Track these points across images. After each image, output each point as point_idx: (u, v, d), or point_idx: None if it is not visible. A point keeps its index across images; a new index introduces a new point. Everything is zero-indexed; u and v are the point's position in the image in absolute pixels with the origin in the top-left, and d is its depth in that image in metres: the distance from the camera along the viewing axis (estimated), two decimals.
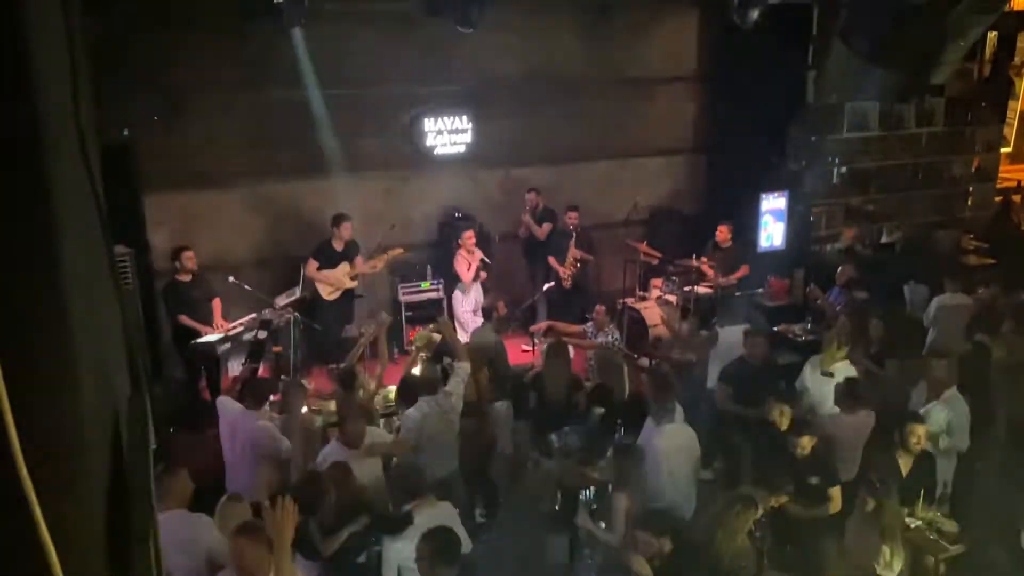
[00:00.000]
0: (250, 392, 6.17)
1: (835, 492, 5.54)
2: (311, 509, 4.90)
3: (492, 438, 6.54)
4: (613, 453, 5.72)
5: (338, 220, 8.65)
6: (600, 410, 6.72)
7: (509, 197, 9.96)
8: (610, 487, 5.65)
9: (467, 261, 9.02)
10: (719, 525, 4.99)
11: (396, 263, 9.11)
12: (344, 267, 8.69)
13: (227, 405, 6.19)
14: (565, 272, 9.50)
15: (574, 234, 9.50)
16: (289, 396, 6.45)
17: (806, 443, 5.59)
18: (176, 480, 4.71)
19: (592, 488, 5.97)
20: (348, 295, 8.88)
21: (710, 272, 9.40)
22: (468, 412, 6.51)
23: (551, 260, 9.61)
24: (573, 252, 9.47)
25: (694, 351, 8.11)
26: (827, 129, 10.76)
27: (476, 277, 9.05)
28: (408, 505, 4.96)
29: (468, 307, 9.12)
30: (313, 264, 8.60)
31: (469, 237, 9.00)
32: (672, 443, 5.77)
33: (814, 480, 5.56)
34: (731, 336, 7.44)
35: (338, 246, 8.68)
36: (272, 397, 6.93)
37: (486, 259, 9.15)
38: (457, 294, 9.18)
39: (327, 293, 8.72)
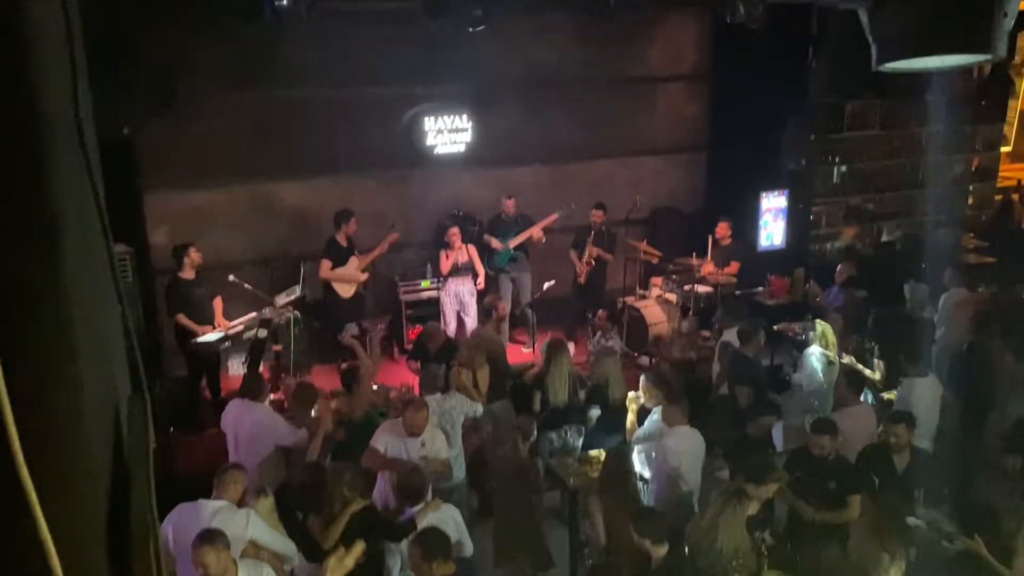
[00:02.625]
0: (249, 385, 6.23)
1: (854, 500, 5.40)
2: (314, 504, 4.92)
3: (493, 437, 6.56)
4: (604, 458, 5.73)
5: (346, 216, 8.64)
6: (597, 411, 6.71)
7: (509, 197, 9.94)
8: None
9: (446, 256, 9.00)
10: (714, 521, 4.99)
11: (396, 245, 9.04)
12: (354, 261, 8.71)
13: (230, 406, 6.26)
14: (581, 268, 9.49)
15: (592, 231, 9.49)
16: (301, 396, 6.47)
17: (827, 443, 5.53)
18: (236, 476, 4.85)
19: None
20: (359, 291, 8.90)
21: (710, 268, 9.38)
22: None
23: (572, 254, 9.61)
24: (591, 249, 9.46)
25: (695, 350, 8.13)
26: (827, 128, 10.77)
27: (455, 272, 9.01)
28: (412, 509, 4.99)
29: (446, 300, 9.11)
30: (327, 264, 8.58)
31: (453, 235, 8.96)
32: (683, 445, 5.76)
33: (832, 484, 5.51)
34: (734, 337, 7.44)
35: (344, 242, 8.68)
36: (272, 395, 6.95)
37: (471, 258, 9.09)
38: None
39: (345, 291, 8.71)
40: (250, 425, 6.03)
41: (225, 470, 4.87)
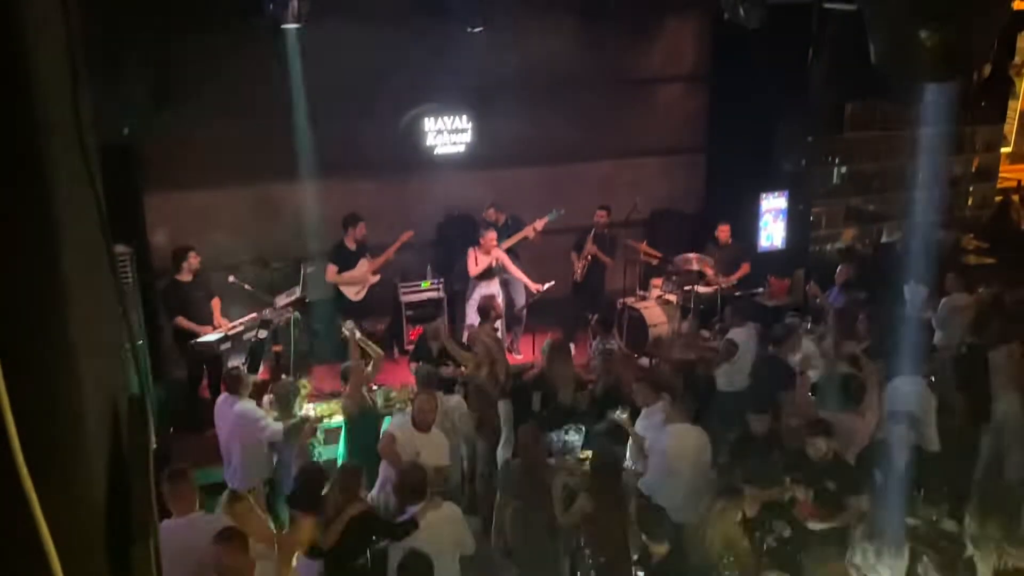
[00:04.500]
0: (229, 379, 6.30)
1: (855, 502, 5.38)
2: (311, 504, 4.93)
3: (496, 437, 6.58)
4: (592, 463, 5.70)
5: (353, 221, 8.67)
6: (624, 414, 6.61)
7: (509, 197, 9.94)
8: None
9: (475, 257, 8.95)
10: (709, 520, 5.00)
11: (408, 247, 9.05)
12: (364, 264, 8.71)
13: (218, 402, 6.34)
14: (578, 265, 9.49)
15: (592, 230, 9.49)
16: (287, 395, 6.49)
17: (822, 444, 5.53)
18: (185, 484, 4.76)
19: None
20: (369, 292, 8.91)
21: (709, 271, 9.38)
22: (473, 411, 6.56)
23: (573, 255, 9.61)
24: (590, 247, 9.46)
25: (695, 351, 8.12)
26: (827, 129, 10.77)
27: (486, 275, 9.00)
28: (414, 508, 4.99)
29: (468, 302, 9.07)
30: (333, 268, 8.61)
31: (492, 239, 8.85)
32: (680, 443, 5.75)
33: (831, 485, 5.50)
34: (739, 337, 7.45)
35: (352, 246, 8.69)
36: (268, 397, 6.97)
37: (505, 264, 9.04)
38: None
39: (354, 294, 8.73)
40: (232, 419, 6.14)
41: (174, 482, 4.69)
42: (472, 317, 8.96)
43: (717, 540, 4.86)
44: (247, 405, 6.23)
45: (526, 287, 9.33)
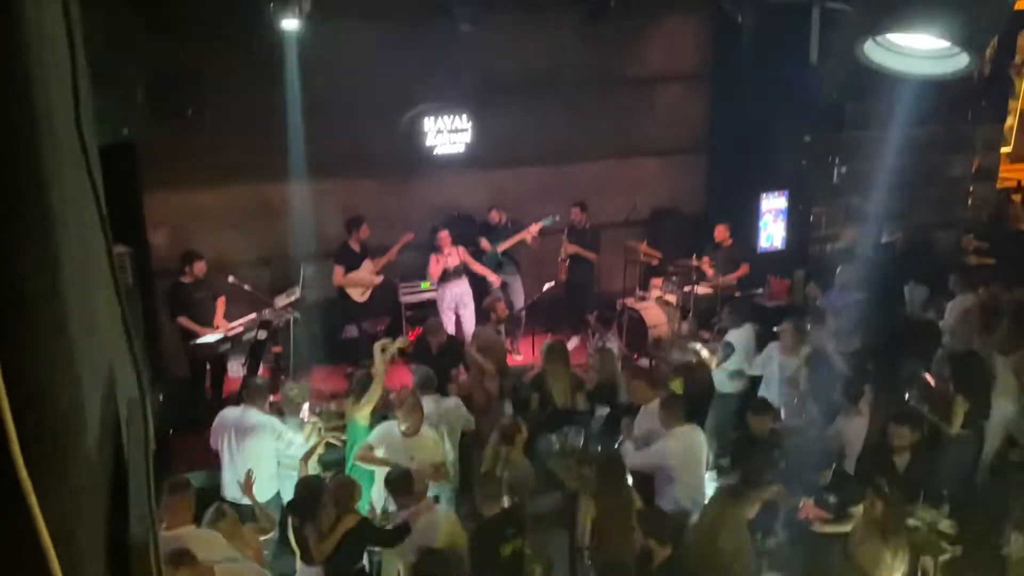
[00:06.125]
0: (247, 390, 6.22)
1: (857, 511, 5.37)
2: (309, 515, 4.91)
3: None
4: (597, 461, 5.70)
5: (357, 223, 8.71)
6: (605, 410, 6.68)
7: (509, 197, 9.94)
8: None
9: (436, 260, 8.95)
10: (714, 521, 5.00)
11: (408, 247, 9.08)
12: (368, 265, 8.73)
13: (225, 413, 6.22)
14: (559, 266, 9.50)
15: (566, 229, 9.49)
16: (290, 397, 6.47)
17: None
18: (185, 497, 4.73)
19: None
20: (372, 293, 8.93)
21: (710, 271, 9.39)
22: (476, 413, 6.55)
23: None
24: (566, 246, 9.45)
25: (693, 353, 8.11)
26: (827, 128, 10.76)
27: (446, 278, 8.96)
28: (406, 512, 4.99)
29: (443, 306, 9.08)
30: (340, 270, 8.65)
31: (443, 239, 8.89)
32: (682, 445, 5.75)
33: (832, 498, 5.51)
34: (737, 339, 7.44)
35: (356, 247, 8.70)
36: (272, 397, 6.95)
37: (463, 259, 9.04)
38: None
39: (359, 295, 8.76)
40: (249, 431, 6.00)
41: (175, 494, 4.69)
42: (447, 318, 8.96)
43: (727, 543, 4.86)
44: (267, 418, 6.10)
45: (524, 289, 9.36)
